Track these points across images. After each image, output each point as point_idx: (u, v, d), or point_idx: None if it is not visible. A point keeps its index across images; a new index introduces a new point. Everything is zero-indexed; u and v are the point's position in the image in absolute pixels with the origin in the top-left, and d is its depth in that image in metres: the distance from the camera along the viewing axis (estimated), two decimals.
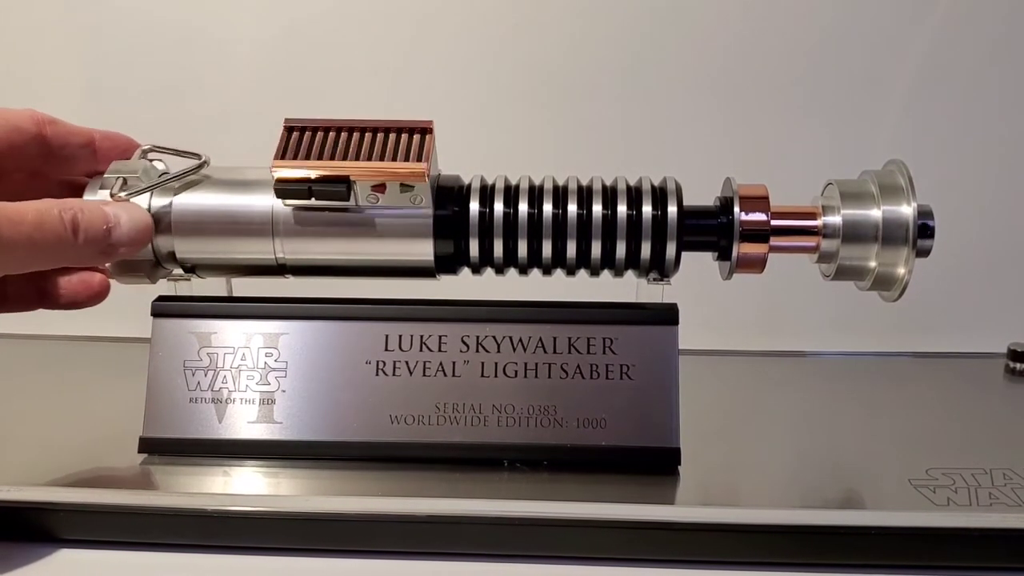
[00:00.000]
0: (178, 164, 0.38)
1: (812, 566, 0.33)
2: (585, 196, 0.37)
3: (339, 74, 0.58)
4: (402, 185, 0.35)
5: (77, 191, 0.37)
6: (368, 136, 0.35)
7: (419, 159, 0.35)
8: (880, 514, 0.34)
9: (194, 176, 0.37)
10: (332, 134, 0.35)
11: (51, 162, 0.37)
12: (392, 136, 0.35)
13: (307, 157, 0.35)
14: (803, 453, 0.40)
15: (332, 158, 0.35)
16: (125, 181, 0.36)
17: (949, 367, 0.51)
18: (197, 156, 0.37)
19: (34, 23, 0.59)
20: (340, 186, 0.35)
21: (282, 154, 0.35)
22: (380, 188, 0.35)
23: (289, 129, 0.36)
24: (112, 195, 0.36)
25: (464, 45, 0.58)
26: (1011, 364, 0.50)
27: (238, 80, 0.59)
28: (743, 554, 0.33)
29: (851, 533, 0.33)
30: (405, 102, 0.58)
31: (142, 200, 0.36)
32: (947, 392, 0.48)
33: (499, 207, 0.36)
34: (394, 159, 0.35)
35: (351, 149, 0.35)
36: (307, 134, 0.35)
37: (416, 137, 0.35)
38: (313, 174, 0.35)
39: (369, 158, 0.35)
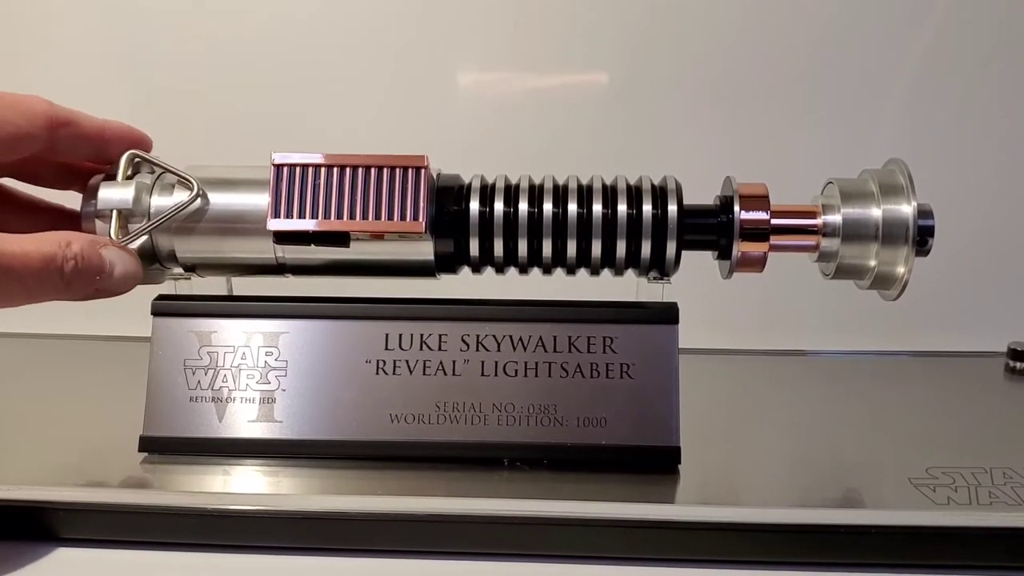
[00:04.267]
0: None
1: (812, 565, 0.33)
2: (585, 195, 0.37)
3: (337, 71, 0.58)
4: (401, 234, 0.35)
5: (73, 175, 0.37)
6: (361, 178, 0.35)
7: (416, 210, 0.35)
8: (880, 513, 0.34)
9: (188, 208, 0.36)
10: (323, 176, 0.35)
11: (54, 154, 0.36)
12: (386, 175, 0.35)
13: (302, 210, 0.35)
14: (803, 452, 0.40)
15: (328, 211, 0.35)
16: (125, 221, 0.36)
17: (949, 366, 0.51)
18: (187, 181, 0.36)
19: (40, 17, 0.59)
20: (339, 238, 0.36)
21: (276, 208, 0.35)
22: (379, 236, 0.36)
23: (279, 169, 0.35)
24: (110, 237, 0.35)
25: (464, 45, 0.58)
26: (1011, 363, 0.50)
27: (237, 76, 0.59)
28: (743, 553, 0.33)
29: (851, 532, 0.33)
30: (405, 100, 0.58)
31: (139, 240, 0.36)
32: (947, 391, 0.48)
33: (499, 206, 0.36)
34: (391, 210, 0.35)
35: (346, 199, 0.35)
36: (297, 177, 0.35)
37: (411, 174, 0.35)
38: (312, 227, 0.35)
39: (365, 208, 0.35)
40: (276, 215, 0.35)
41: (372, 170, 0.35)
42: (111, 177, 0.36)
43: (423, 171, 0.35)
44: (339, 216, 0.35)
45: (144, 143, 0.38)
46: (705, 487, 0.36)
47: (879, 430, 0.42)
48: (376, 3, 0.58)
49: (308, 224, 0.35)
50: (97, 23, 0.58)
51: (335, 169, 0.35)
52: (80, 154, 0.37)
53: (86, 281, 0.34)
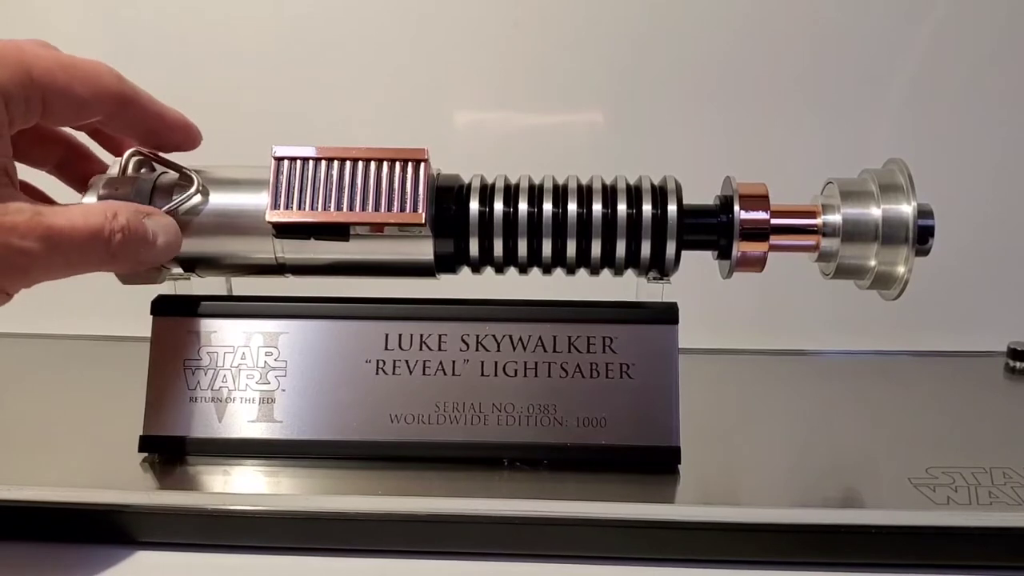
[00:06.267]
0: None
1: (812, 565, 0.33)
2: (585, 195, 0.37)
3: (337, 69, 0.58)
4: (400, 226, 0.35)
5: (106, 140, 0.38)
6: (361, 171, 0.35)
7: (415, 202, 0.35)
8: (880, 513, 0.34)
9: (189, 203, 0.36)
10: (323, 169, 0.35)
11: (104, 125, 0.35)
12: (386, 168, 0.35)
13: (302, 202, 0.35)
14: (803, 452, 0.40)
15: (328, 202, 0.35)
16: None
17: (949, 366, 0.51)
18: (188, 177, 0.36)
19: (40, 16, 0.59)
20: (339, 231, 0.35)
21: (275, 200, 0.35)
22: (379, 229, 0.35)
23: (279, 161, 0.35)
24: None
25: (464, 44, 0.58)
26: (1011, 363, 0.50)
27: (237, 75, 0.59)
28: (743, 553, 0.33)
29: (851, 532, 0.33)
30: (405, 98, 0.58)
31: None
32: (947, 391, 0.48)
33: (499, 206, 0.36)
34: (390, 202, 0.35)
35: (346, 192, 0.35)
36: (297, 170, 0.35)
37: (411, 167, 0.35)
38: (311, 220, 0.35)
39: (365, 200, 0.35)
40: (276, 207, 0.35)
41: (372, 163, 0.35)
42: (113, 175, 0.36)
43: (423, 164, 0.35)
44: (339, 208, 0.35)
45: (195, 137, 0.37)
46: (705, 487, 0.36)
47: (879, 430, 0.42)
48: (377, 3, 0.58)
49: (307, 216, 0.35)
50: (95, 22, 0.58)
51: (335, 162, 0.35)
52: (130, 133, 0.36)
53: (131, 253, 0.33)
